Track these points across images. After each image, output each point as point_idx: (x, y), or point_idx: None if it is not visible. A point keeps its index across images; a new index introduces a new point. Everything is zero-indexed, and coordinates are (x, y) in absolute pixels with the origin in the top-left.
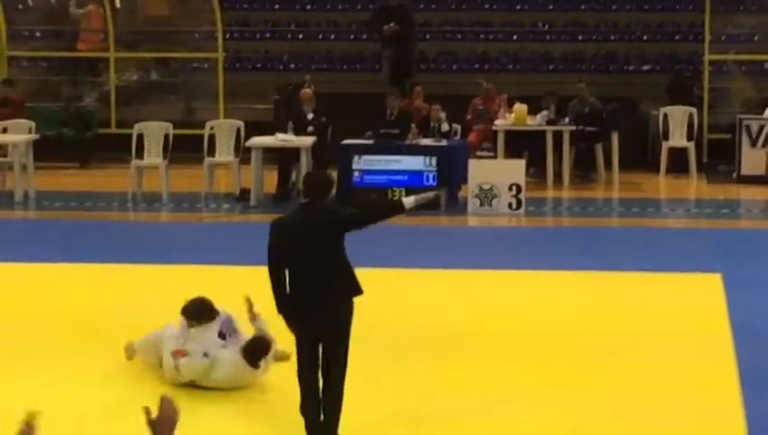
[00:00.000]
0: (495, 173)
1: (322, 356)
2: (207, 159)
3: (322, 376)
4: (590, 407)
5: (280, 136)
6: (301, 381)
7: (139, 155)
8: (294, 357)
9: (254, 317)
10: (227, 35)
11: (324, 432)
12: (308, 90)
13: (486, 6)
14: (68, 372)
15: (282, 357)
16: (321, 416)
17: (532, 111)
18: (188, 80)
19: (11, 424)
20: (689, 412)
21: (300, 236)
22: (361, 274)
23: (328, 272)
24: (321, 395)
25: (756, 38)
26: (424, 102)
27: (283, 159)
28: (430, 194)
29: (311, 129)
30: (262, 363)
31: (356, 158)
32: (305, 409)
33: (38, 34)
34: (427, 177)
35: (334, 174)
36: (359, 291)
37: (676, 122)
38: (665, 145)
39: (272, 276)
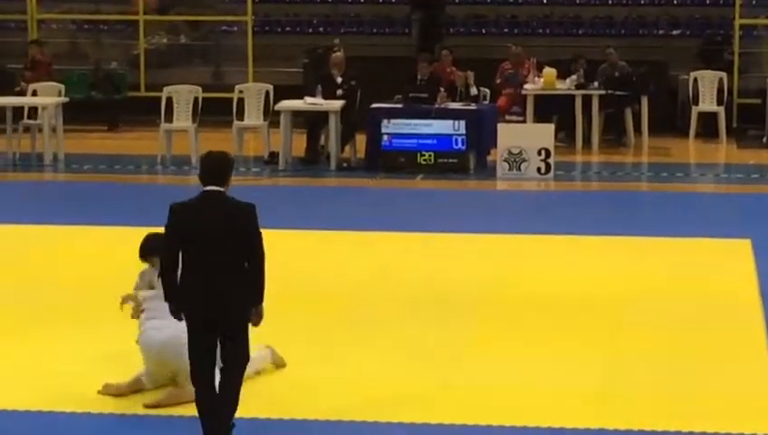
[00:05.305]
0: (524, 137)
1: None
2: (236, 123)
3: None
4: (619, 369)
5: (308, 100)
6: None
7: (169, 118)
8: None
9: None
10: None
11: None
12: (338, 53)
13: None
14: (95, 335)
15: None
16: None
17: (562, 75)
18: (217, 43)
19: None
20: (717, 375)
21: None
22: (388, 237)
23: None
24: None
25: None
26: (452, 66)
27: (311, 122)
28: None
29: (340, 92)
30: None
31: (385, 121)
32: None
33: None
34: (456, 141)
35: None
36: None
37: (707, 87)
38: (695, 109)
39: (165, 260)
